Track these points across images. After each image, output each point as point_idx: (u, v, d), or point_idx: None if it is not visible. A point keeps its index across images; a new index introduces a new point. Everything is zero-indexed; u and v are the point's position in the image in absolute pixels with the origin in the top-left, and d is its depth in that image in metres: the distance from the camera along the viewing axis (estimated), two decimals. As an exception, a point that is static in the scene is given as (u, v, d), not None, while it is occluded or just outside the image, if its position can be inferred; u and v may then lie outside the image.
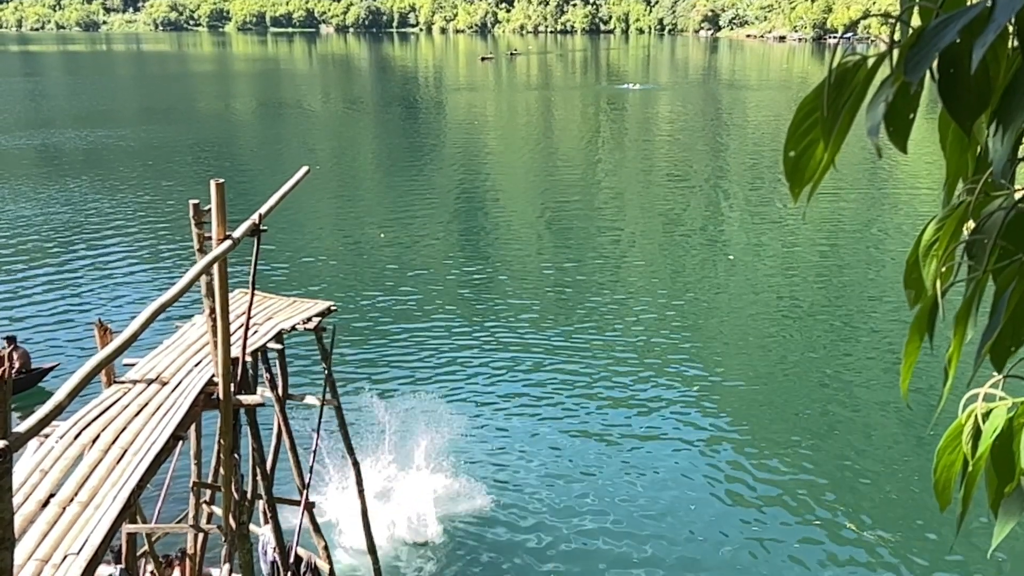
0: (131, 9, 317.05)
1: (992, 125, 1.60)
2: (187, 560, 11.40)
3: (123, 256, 30.11)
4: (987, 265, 1.69)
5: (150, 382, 9.02)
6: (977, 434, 1.88)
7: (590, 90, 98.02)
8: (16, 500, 6.35)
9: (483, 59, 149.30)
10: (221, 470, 9.38)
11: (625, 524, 15.11)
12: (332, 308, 12.06)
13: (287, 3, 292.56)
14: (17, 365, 18.85)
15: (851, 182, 41.80)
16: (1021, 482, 1.84)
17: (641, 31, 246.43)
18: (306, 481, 11.68)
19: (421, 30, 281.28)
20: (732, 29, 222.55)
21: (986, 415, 1.87)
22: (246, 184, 40.77)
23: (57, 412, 4.97)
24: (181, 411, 8.31)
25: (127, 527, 9.86)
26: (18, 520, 6.02)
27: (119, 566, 10.44)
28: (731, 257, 31.58)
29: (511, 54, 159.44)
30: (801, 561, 14.23)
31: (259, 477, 10.51)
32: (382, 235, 33.50)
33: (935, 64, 1.53)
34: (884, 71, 1.62)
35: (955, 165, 1.83)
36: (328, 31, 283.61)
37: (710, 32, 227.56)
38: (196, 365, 9.47)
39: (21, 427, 4.79)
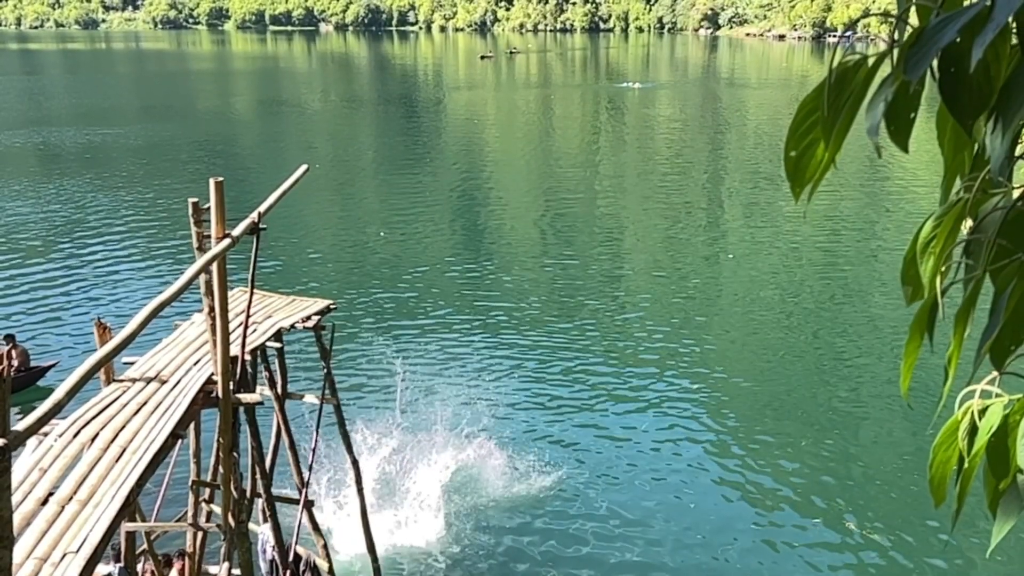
0: (130, 7, 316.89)
1: (990, 122, 1.60)
2: (186, 558, 11.40)
3: (122, 254, 30.10)
4: (985, 264, 1.69)
5: (149, 380, 9.02)
6: (973, 431, 1.88)
7: (589, 89, 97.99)
8: (15, 498, 6.35)
9: (483, 57, 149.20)
10: (220, 468, 9.38)
11: (627, 524, 15.11)
12: (332, 306, 12.06)
13: (286, 1, 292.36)
14: (16, 363, 18.85)
15: (851, 180, 41.81)
16: (1018, 480, 1.85)
17: (641, 29, 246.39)
18: (305, 479, 11.68)
19: (420, 28, 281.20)
20: (731, 27, 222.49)
21: (982, 412, 1.87)
22: (245, 182, 40.76)
23: (56, 410, 4.97)
24: (180, 409, 8.31)
25: (126, 525, 9.86)
26: (17, 518, 6.02)
27: (118, 564, 10.44)
28: (731, 256, 31.59)
29: (511, 52, 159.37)
30: (803, 559, 14.23)
31: (258, 475, 10.51)
32: (382, 233, 33.50)
33: (935, 63, 1.53)
34: (884, 70, 1.62)
35: (953, 162, 1.83)
36: (327, 29, 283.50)
37: (709, 31, 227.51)
38: (195, 363, 9.46)
39: (20, 425, 4.79)
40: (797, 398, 20.13)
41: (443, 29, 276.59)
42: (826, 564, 14.12)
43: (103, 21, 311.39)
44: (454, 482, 16.03)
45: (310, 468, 11.93)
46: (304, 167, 9.98)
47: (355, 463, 12.90)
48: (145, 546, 11.86)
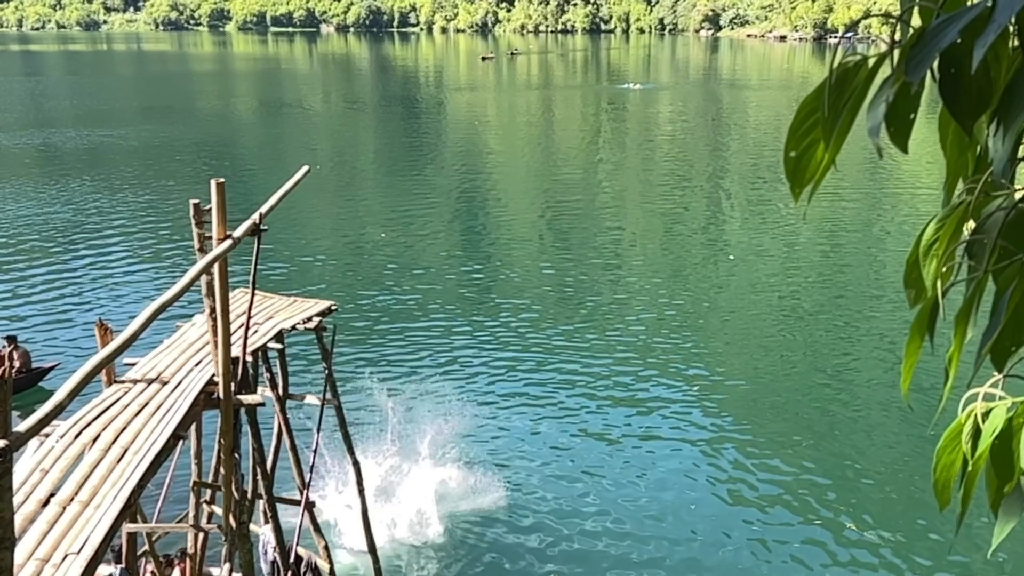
0: (131, 8, 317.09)
1: (992, 125, 1.60)
2: (188, 559, 11.40)
3: (123, 255, 30.11)
4: (987, 265, 1.69)
5: (150, 382, 9.02)
6: (977, 434, 1.88)
7: (591, 90, 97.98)
8: (16, 499, 6.35)
9: (484, 59, 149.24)
10: (221, 469, 9.38)
11: (627, 524, 15.11)
12: (332, 307, 12.06)
13: (287, 2, 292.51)
14: (17, 364, 18.86)
15: (852, 182, 41.79)
16: (1021, 482, 1.84)
17: (641, 31, 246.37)
18: (306, 480, 11.68)
19: (422, 30, 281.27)
20: (733, 29, 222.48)
21: (985, 415, 1.87)
22: (247, 183, 40.77)
23: (57, 411, 4.97)
24: (181, 411, 8.31)
25: (127, 526, 9.86)
26: (18, 519, 6.02)
27: (119, 566, 10.44)
28: (732, 257, 31.56)
29: (512, 54, 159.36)
30: (803, 560, 14.22)
31: (259, 476, 10.51)
32: (383, 234, 33.50)
33: (936, 64, 1.53)
34: (885, 71, 1.62)
35: (955, 164, 1.83)
36: (329, 31, 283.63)
37: (711, 32, 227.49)
38: (196, 365, 9.47)
39: (21, 426, 4.79)
40: (797, 399, 20.11)
41: (444, 30, 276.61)
42: (825, 565, 14.11)
43: (104, 22, 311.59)
44: (454, 482, 16.01)
45: (311, 469, 11.93)
46: (305, 168, 9.98)
47: (356, 464, 12.89)
48: (146, 547, 11.86)
